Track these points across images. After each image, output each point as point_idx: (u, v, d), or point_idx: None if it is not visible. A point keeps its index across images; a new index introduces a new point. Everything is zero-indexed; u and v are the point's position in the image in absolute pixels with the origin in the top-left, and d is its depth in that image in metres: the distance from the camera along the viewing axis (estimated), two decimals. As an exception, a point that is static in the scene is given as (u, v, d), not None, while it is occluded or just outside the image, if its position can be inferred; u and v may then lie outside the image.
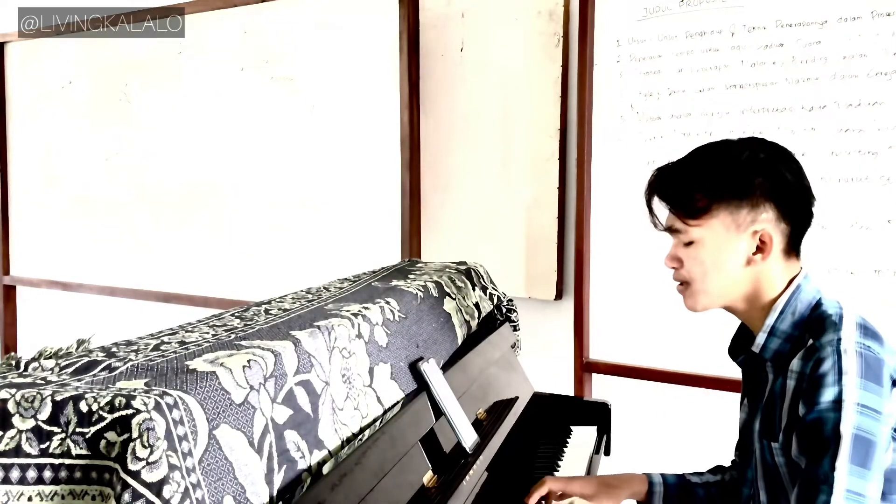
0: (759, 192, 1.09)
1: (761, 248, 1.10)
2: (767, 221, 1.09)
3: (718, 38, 1.96)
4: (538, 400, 1.85)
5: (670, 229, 1.16)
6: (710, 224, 1.11)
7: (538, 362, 2.10)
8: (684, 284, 1.16)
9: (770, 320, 1.11)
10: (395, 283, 1.58)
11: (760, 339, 1.12)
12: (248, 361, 0.94)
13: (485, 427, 1.47)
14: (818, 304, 1.10)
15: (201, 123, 2.88)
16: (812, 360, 1.02)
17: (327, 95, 2.61)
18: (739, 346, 1.24)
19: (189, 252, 2.95)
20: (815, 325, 1.07)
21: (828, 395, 0.98)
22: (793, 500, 1.02)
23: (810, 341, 1.05)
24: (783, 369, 1.09)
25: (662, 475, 1.33)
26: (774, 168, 1.10)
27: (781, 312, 1.10)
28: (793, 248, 1.13)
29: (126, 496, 0.72)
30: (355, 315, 1.25)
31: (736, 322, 1.24)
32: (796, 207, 1.11)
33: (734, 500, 1.29)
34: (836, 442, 0.96)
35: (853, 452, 0.96)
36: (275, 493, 0.90)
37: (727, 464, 1.38)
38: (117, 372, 0.89)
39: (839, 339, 1.02)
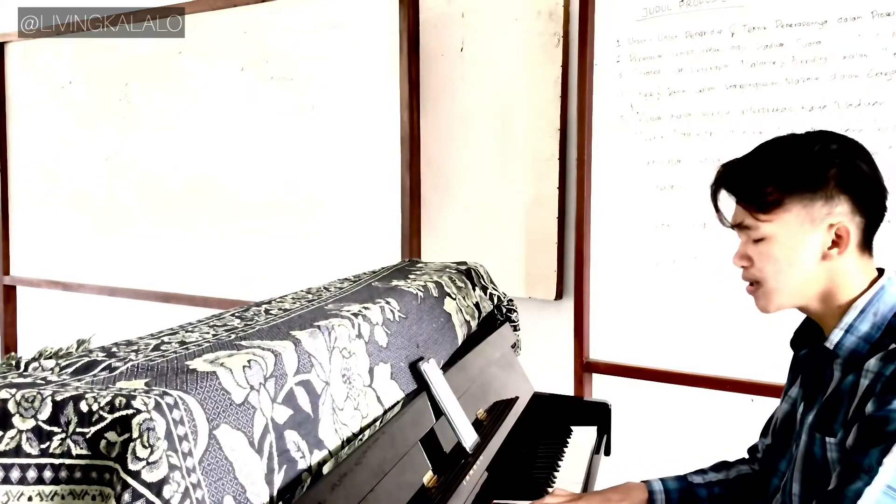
0: (834, 184, 1.04)
1: (837, 242, 1.05)
2: (843, 214, 1.05)
3: (718, 38, 1.96)
4: (538, 400, 1.85)
5: (739, 226, 1.11)
6: (783, 218, 1.06)
7: (538, 362, 2.10)
8: (755, 284, 1.12)
9: (849, 318, 1.07)
10: (395, 283, 1.58)
11: (836, 335, 1.07)
12: (249, 361, 0.94)
13: (485, 427, 1.47)
14: None
15: (201, 123, 2.88)
16: (894, 364, 0.99)
17: (327, 95, 2.61)
18: (804, 339, 1.21)
19: (189, 252, 2.95)
20: None
21: None
22: (832, 481, 1.01)
23: (893, 346, 1.02)
24: (856, 368, 1.06)
25: (662, 480, 1.30)
26: (849, 159, 1.06)
27: (862, 311, 1.06)
28: (866, 244, 1.09)
29: (126, 496, 0.72)
30: (355, 315, 1.25)
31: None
32: (872, 200, 1.07)
33: (751, 493, 1.28)
34: (894, 439, 0.95)
35: None
36: (275, 493, 0.90)
37: (732, 459, 1.35)
38: (117, 372, 0.89)
39: None
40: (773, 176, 1.07)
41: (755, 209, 1.08)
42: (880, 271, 1.11)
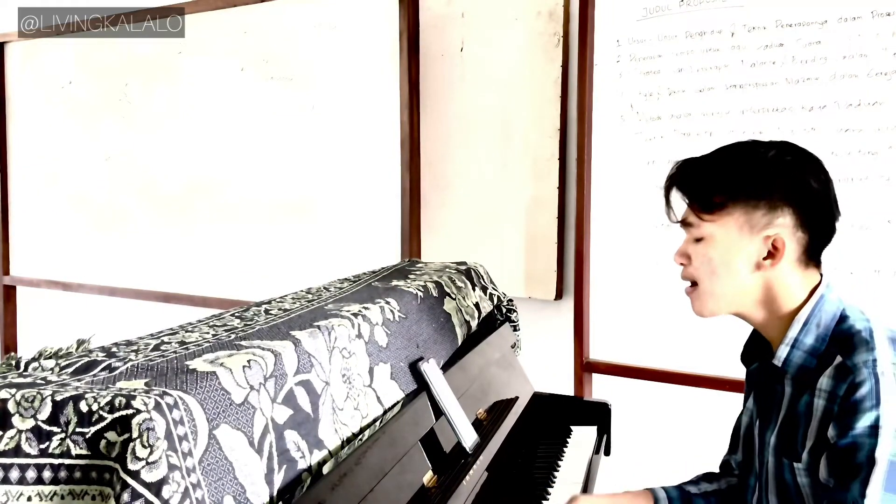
0: (780, 196, 1.04)
1: (773, 253, 1.05)
2: (784, 227, 1.04)
3: (718, 38, 1.96)
4: (538, 400, 1.85)
5: (683, 222, 1.12)
6: (724, 221, 1.07)
7: (538, 362, 2.10)
8: (693, 286, 1.12)
9: (792, 333, 1.06)
10: (395, 283, 1.58)
11: (782, 352, 1.07)
12: (248, 361, 0.94)
13: (485, 427, 1.47)
14: (843, 316, 1.05)
15: (201, 123, 2.88)
16: (847, 383, 0.97)
17: (327, 95, 2.61)
18: (753, 353, 1.20)
19: (189, 252, 2.95)
20: (844, 341, 1.02)
21: (865, 421, 0.95)
22: None
23: (839, 359, 1.00)
24: (808, 386, 1.04)
25: (665, 489, 1.29)
26: (799, 173, 1.05)
27: (805, 324, 1.05)
28: (811, 258, 1.07)
29: (125, 496, 0.72)
30: (355, 315, 1.25)
31: (739, 322, 1.21)
32: (817, 217, 1.05)
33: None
34: (870, 468, 0.93)
35: (888, 479, 0.93)
36: (275, 493, 0.90)
37: (716, 471, 1.35)
38: (117, 372, 0.89)
39: (874, 361, 0.97)
40: (722, 179, 1.08)
41: (699, 208, 1.09)
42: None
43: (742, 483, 1.20)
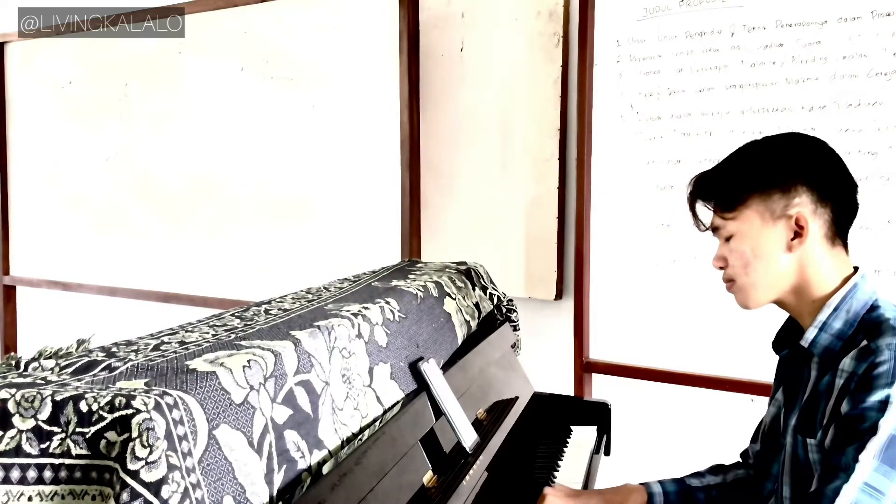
0: (789, 176, 1.08)
1: (799, 232, 1.08)
2: (803, 205, 1.08)
3: (718, 38, 1.96)
4: (538, 400, 1.85)
5: (713, 228, 1.17)
6: (745, 215, 1.11)
7: (538, 362, 2.10)
8: (732, 282, 1.15)
9: (822, 316, 1.09)
10: (395, 283, 1.58)
11: (810, 333, 1.10)
12: (248, 361, 0.94)
13: (485, 427, 1.47)
14: (875, 305, 1.08)
15: (201, 123, 2.88)
16: (867, 362, 1.00)
17: (327, 95, 2.61)
18: (785, 340, 1.22)
19: (189, 252, 2.95)
20: (872, 327, 1.05)
21: (876, 397, 0.97)
22: (813, 482, 1.02)
23: (864, 342, 1.03)
24: (831, 367, 1.07)
25: (661, 483, 1.30)
26: (803, 152, 1.10)
27: (835, 309, 1.08)
28: (838, 236, 1.11)
29: (125, 496, 0.72)
30: (355, 315, 1.25)
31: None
32: (833, 189, 1.09)
33: (747, 497, 1.28)
34: (870, 436, 0.96)
35: (886, 450, 0.95)
36: (275, 493, 0.90)
37: (728, 462, 1.36)
38: (117, 372, 0.89)
39: None
40: (734, 175, 1.13)
41: (720, 209, 1.15)
42: (856, 269, 1.13)
43: (765, 470, 1.22)
